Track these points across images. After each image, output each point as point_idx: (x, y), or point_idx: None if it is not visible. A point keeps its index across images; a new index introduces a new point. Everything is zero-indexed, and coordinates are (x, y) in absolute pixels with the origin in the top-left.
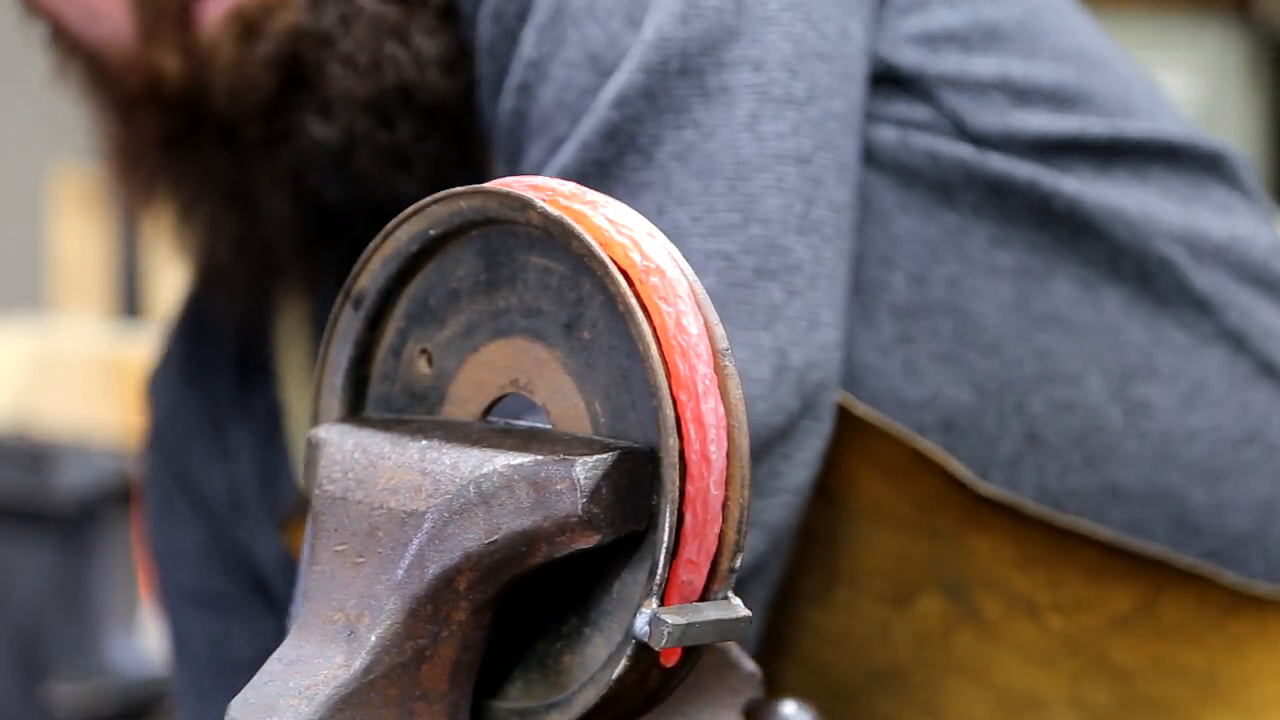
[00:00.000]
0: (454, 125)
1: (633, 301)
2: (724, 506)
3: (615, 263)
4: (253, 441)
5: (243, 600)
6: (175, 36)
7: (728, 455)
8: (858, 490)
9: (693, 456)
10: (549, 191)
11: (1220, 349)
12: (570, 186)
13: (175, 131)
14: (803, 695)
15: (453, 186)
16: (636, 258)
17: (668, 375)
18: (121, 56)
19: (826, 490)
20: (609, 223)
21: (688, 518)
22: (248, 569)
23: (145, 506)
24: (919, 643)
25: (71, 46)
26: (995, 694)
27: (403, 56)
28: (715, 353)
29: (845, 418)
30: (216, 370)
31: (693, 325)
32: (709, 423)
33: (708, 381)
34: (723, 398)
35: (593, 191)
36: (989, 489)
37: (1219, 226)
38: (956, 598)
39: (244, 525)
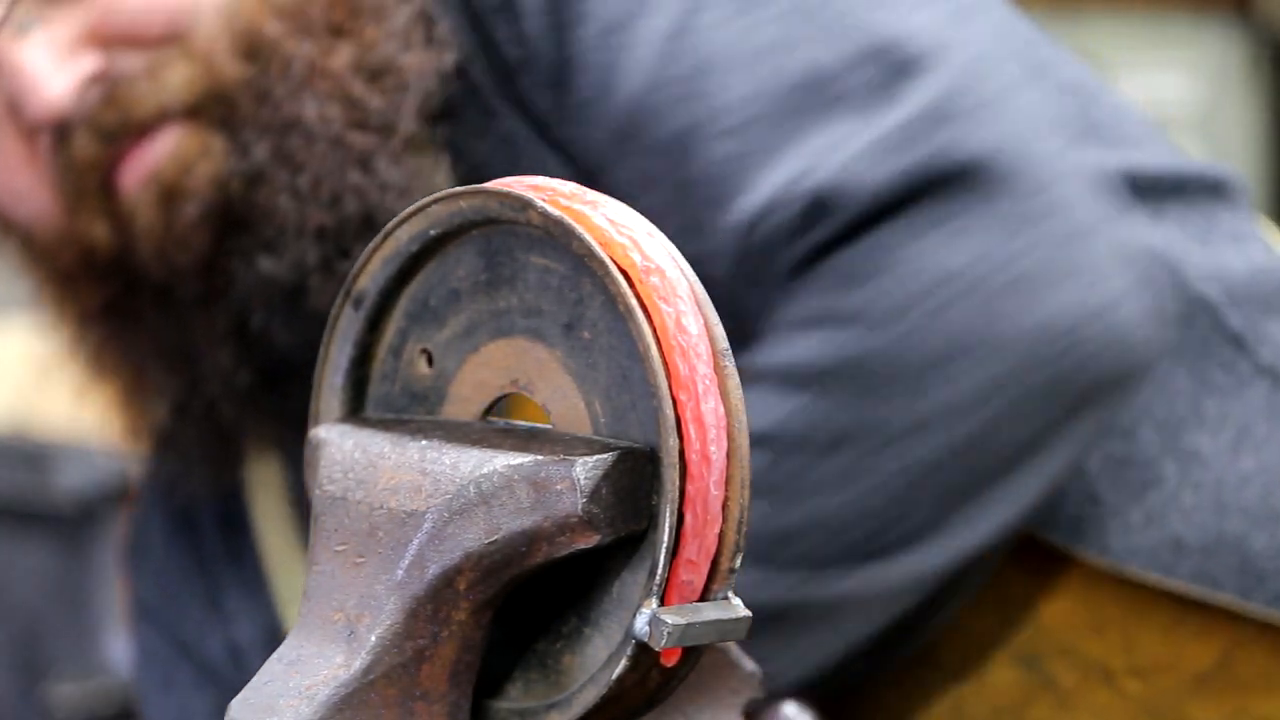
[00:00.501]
0: None
1: (633, 301)
2: (724, 506)
3: (615, 263)
4: (249, 598)
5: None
6: (99, 206)
7: (728, 455)
8: None
9: (693, 456)
10: (549, 191)
11: (1260, 387)
12: (570, 186)
13: (114, 299)
14: None
15: None
16: (636, 258)
17: (668, 375)
18: (52, 232)
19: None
20: (609, 223)
21: (688, 518)
22: None
23: (143, 681)
24: (995, 716)
25: (3, 226)
26: None
27: (367, 184)
28: (715, 353)
29: None
30: (199, 529)
31: (693, 325)
32: (709, 423)
33: (708, 381)
34: (723, 398)
35: (593, 191)
36: (1062, 544)
37: (1238, 259)
38: (1030, 667)
39: None
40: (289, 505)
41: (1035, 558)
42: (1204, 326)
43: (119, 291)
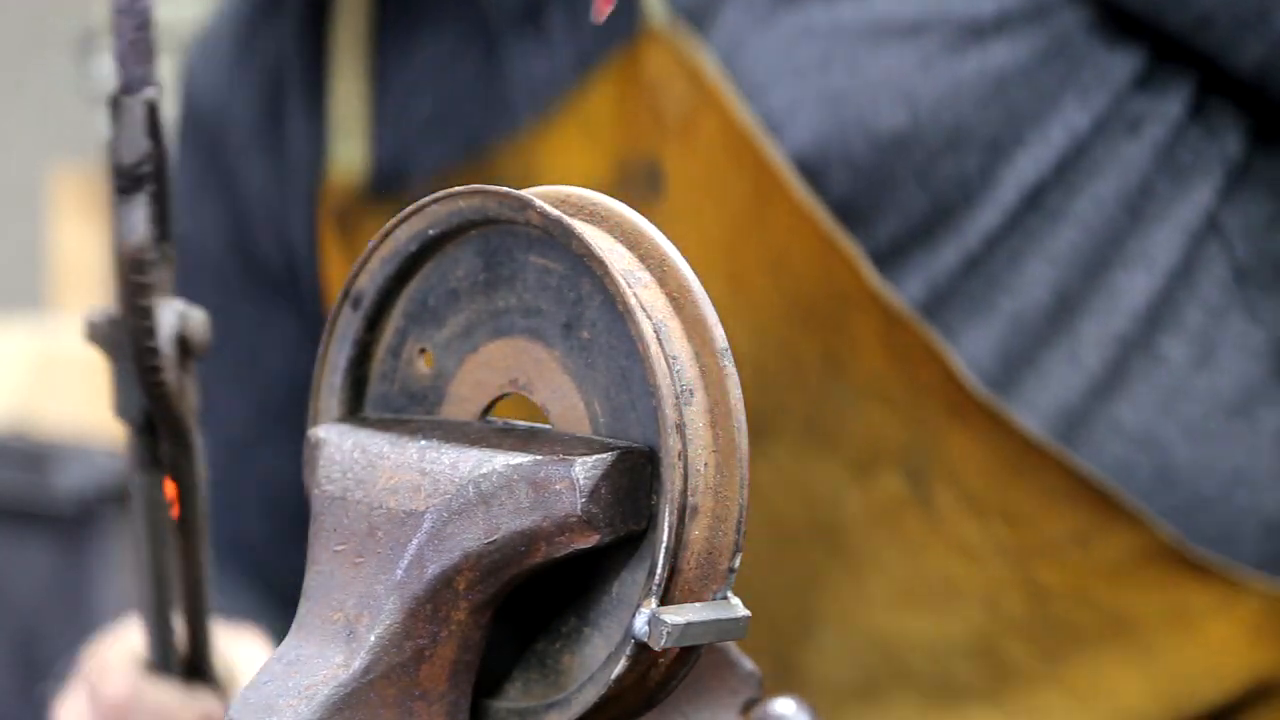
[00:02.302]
0: None
1: (632, 301)
2: (723, 507)
3: (615, 262)
4: (309, 129)
5: (262, 297)
6: None
7: (727, 455)
8: (861, 363)
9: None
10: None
11: (1239, 318)
12: (571, 186)
13: None
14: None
15: None
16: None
17: (668, 375)
18: None
19: (835, 356)
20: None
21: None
22: (278, 270)
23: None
24: (868, 513)
25: None
26: (920, 574)
27: None
28: (715, 352)
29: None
30: (274, 54)
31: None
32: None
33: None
34: (722, 397)
35: (591, 192)
36: (984, 394)
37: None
38: (916, 482)
39: (291, 214)
40: (367, 50)
41: (963, 391)
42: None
43: None
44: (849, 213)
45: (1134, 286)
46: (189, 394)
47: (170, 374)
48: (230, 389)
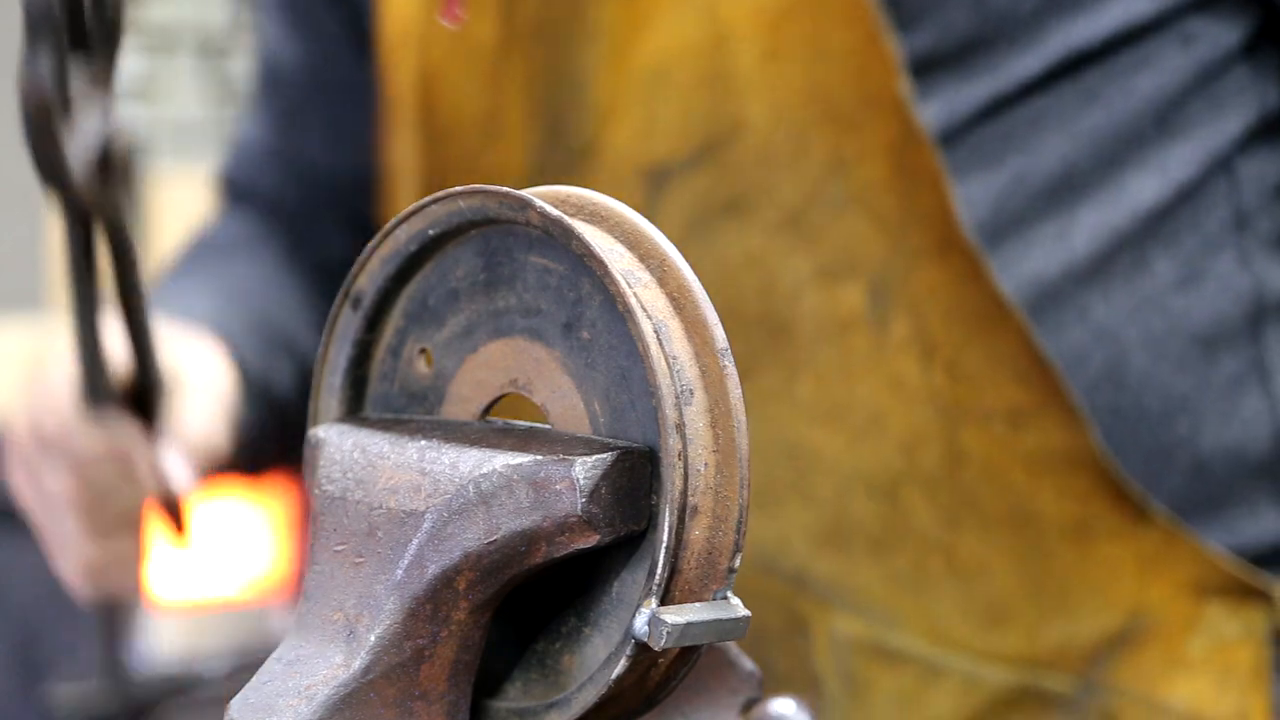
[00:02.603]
0: None
1: (632, 301)
2: (723, 507)
3: (615, 262)
4: None
5: (340, 30)
6: None
7: (727, 455)
8: (864, 171)
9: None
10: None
11: (1230, 258)
12: (570, 187)
13: None
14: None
15: None
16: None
17: (668, 375)
18: None
19: (841, 156)
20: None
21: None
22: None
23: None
24: (819, 319)
25: None
26: (851, 396)
27: None
28: (715, 352)
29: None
30: None
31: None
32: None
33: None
34: (722, 397)
35: (591, 192)
36: (973, 238)
37: None
38: (878, 303)
39: None
40: None
41: (953, 243)
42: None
43: None
44: (899, 11)
45: (1142, 190)
46: (112, 202)
47: (89, 194)
48: (288, 45)
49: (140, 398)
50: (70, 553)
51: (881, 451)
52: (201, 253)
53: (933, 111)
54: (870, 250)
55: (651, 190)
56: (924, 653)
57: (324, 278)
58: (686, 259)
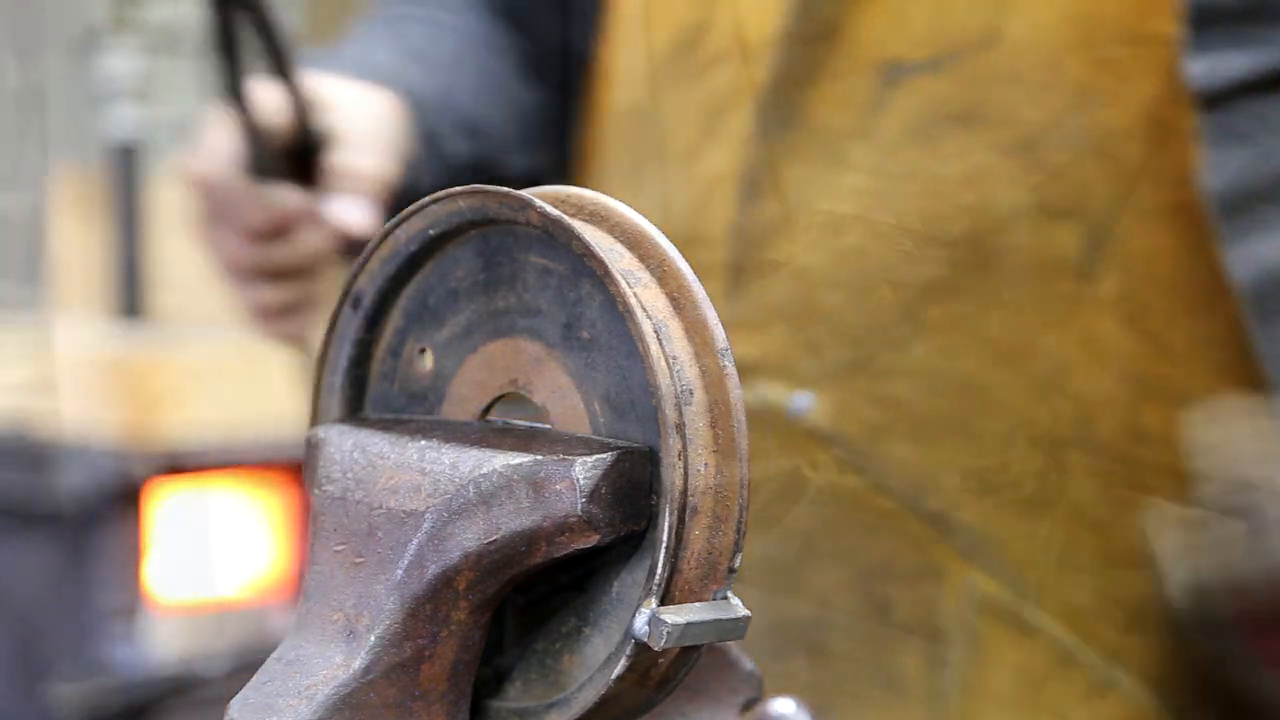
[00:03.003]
0: None
1: (632, 301)
2: (723, 507)
3: (614, 262)
4: None
5: None
6: None
7: (727, 455)
8: (1119, 110)
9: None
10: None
11: None
12: (570, 187)
13: None
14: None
15: None
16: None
17: (668, 375)
18: None
19: (1098, 85)
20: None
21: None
22: None
23: None
24: (1026, 251)
25: None
26: (1038, 333)
27: None
28: (715, 352)
29: None
30: None
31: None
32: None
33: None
34: (722, 397)
35: (591, 192)
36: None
37: None
38: (1092, 252)
39: None
40: None
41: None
42: None
43: None
44: None
45: None
46: None
47: None
48: None
49: (304, 153)
50: (246, 299)
51: (1057, 407)
52: (403, 19)
53: (1201, 68)
54: (1098, 196)
55: (881, 86)
56: (1059, 636)
57: (530, 63)
58: (901, 160)
